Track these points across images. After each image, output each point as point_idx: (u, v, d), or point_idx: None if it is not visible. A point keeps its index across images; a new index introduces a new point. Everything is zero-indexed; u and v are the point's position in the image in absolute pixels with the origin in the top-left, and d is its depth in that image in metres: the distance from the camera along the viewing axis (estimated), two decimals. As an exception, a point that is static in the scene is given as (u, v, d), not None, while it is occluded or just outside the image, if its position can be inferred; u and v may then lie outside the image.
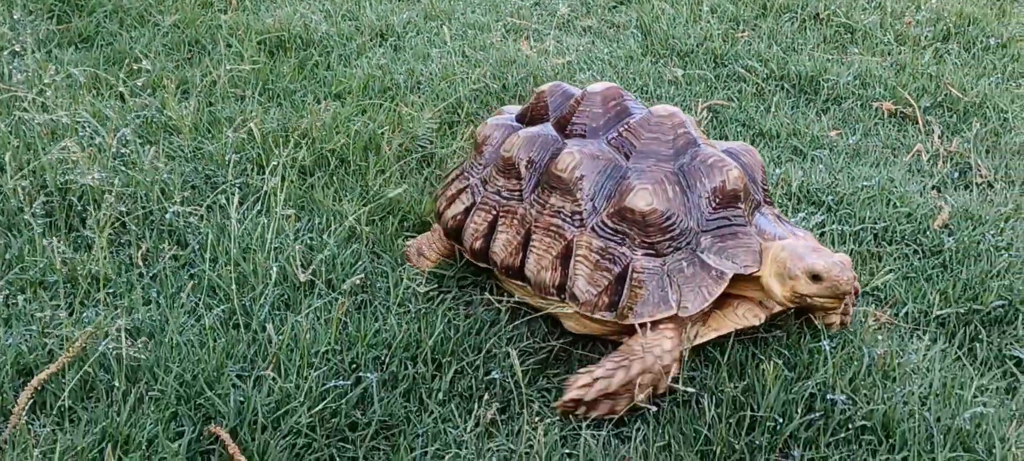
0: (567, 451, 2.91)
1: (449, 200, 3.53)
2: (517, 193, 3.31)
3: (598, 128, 3.28)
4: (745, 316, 3.13)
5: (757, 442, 2.88)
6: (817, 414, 2.94)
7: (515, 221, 3.28)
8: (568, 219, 3.15)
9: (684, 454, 2.86)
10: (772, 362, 3.06)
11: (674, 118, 3.21)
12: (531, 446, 2.87)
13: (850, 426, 2.92)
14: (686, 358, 2.99)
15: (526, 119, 3.53)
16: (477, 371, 3.17)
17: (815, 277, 2.90)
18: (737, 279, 3.04)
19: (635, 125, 3.21)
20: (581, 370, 2.99)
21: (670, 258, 3.03)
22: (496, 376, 3.14)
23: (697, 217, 3.07)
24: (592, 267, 3.07)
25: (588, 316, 3.07)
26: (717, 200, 3.09)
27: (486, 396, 3.07)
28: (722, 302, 3.11)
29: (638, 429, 2.97)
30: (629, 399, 2.94)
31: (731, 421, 2.92)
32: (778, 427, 2.90)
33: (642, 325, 3.01)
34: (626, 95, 3.36)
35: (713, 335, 3.11)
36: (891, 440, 2.87)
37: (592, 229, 3.10)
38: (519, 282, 3.26)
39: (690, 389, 3.00)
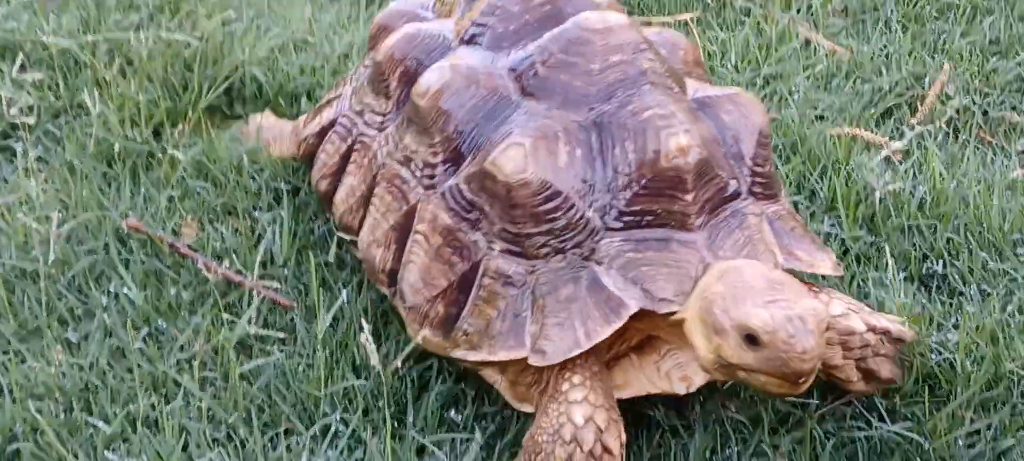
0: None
1: (316, 111, 2.54)
2: (380, 119, 2.29)
3: (505, 36, 2.16)
4: (669, 376, 2.03)
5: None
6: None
7: (366, 161, 2.27)
8: (418, 172, 2.11)
9: None
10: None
11: (610, 35, 2.04)
12: None
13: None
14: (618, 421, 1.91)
15: (438, 10, 2.47)
16: None
17: (751, 338, 1.73)
18: (655, 317, 1.92)
19: (548, 40, 2.08)
20: None
21: (543, 264, 1.95)
22: None
23: (604, 204, 1.95)
24: (432, 255, 2.04)
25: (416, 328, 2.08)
26: (643, 181, 1.93)
27: None
28: (645, 345, 2.05)
29: None
30: None
31: None
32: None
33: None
34: None
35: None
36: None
37: (442, 195, 2.05)
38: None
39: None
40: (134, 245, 2.45)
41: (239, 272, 2.38)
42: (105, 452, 1.99)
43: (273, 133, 2.74)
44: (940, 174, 2.70)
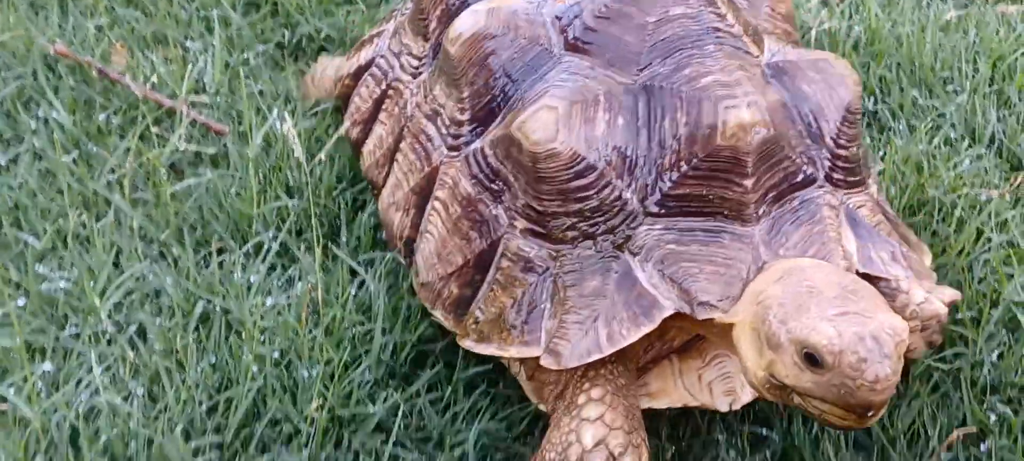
0: None
1: (356, 48, 2.27)
2: (416, 62, 2.02)
3: None
4: (711, 388, 1.77)
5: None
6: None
7: (397, 110, 2.01)
8: (444, 129, 1.84)
9: None
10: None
11: None
12: None
13: None
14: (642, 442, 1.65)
15: None
16: None
17: (811, 358, 1.42)
18: (696, 321, 1.64)
19: None
20: None
21: (569, 250, 1.68)
22: None
23: (646, 185, 1.66)
24: (449, 227, 1.78)
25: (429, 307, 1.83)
26: (694, 161, 1.64)
27: None
28: (690, 346, 1.79)
29: None
30: None
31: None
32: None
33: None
34: None
35: (644, 404, 1.75)
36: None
37: (466, 159, 1.78)
38: None
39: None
40: (62, 71, 2.40)
41: (171, 96, 2.35)
42: (36, 266, 1.98)
43: (319, 69, 2.43)
44: (876, 14, 2.72)
